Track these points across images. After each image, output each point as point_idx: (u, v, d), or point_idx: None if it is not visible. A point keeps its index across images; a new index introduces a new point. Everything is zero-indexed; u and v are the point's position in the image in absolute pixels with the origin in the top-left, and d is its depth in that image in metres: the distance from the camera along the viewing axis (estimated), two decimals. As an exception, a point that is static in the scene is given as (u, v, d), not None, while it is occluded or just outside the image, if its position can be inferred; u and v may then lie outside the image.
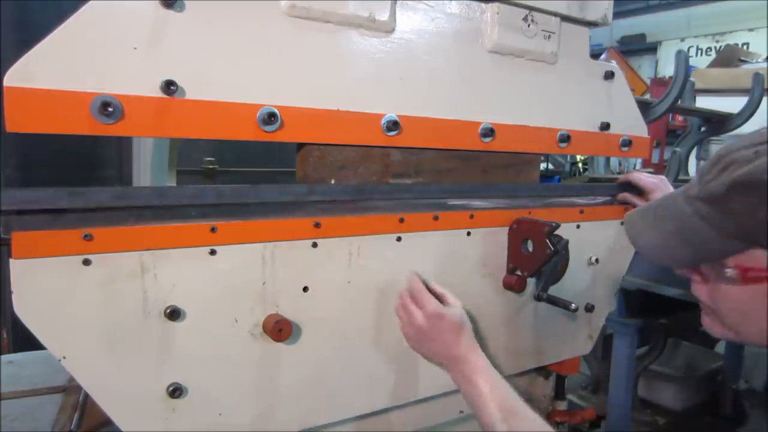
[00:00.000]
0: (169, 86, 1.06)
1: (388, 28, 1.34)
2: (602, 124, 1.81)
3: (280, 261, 1.24)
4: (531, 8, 1.57)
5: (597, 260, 1.85)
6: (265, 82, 1.19)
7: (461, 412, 1.83)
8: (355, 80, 1.31)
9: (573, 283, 1.79)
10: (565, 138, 1.71)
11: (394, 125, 1.36)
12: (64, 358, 1.03)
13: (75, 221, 1.01)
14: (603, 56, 8.06)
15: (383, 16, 1.32)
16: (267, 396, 1.26)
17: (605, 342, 3.18)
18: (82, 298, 1.03)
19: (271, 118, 1.18)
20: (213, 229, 1.14)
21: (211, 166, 2.24)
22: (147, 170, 1.74)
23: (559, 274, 1.70)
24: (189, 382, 1.16)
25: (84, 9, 0.98)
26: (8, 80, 0.94)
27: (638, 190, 1.84)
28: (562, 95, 1.71)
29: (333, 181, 1.35)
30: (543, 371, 1.99)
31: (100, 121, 1.01)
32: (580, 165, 6.12)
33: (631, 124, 1.90)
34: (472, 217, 1.52)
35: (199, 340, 1.16)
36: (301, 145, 1.32)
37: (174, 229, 1.11)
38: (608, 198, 1.87)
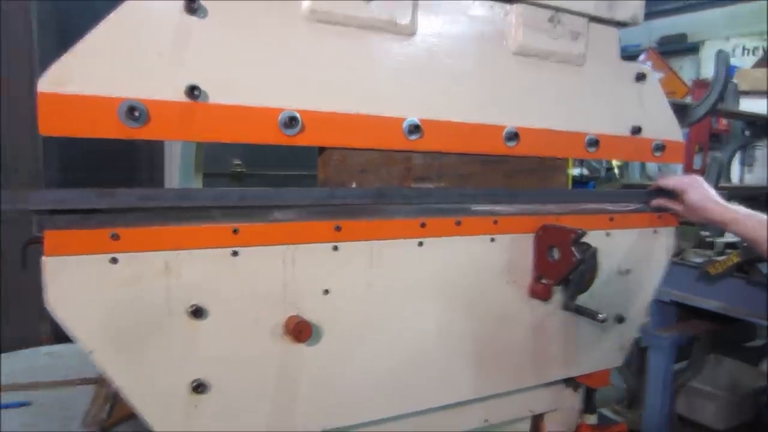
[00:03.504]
0: (192, 91, 1.10)
1: (409, 32, 1.35)
2: (633, 127, 1.77)
3: (300, 263, 1.25)
4: (557, 9, 1.55)
5: (628, 270, 1.80)
6: (286, 86, 1.21)
7: (486, 420, 1.81)
8: (375, 84, 1.32)
9: (603, 293, 1.74)
10: (594, 142, 1.68)
11: (415, 129, 1.36)
12: (92, 351, 1.07)
13: (103, 221, 1.06)
14: (641, 57, 7.81)
15: (404, 19, 1.33)
16: (287, 396, 1.28)
17: (641, 355, 3.09)
18: (109, 295, 1.07)
19: (292, 121, 1.20)
20: (235, 231, 1.17)
21: (238, 169, 2.30)
22: (176, 173, 1.80)
23: (587, 283, 1.66)
24: (212, 379, 1.18)
25: (111, 17, 1.03)
26: (41, 86, 0.99)
27: (671, 195, 1.78)
28: (590, 98, 1.68)
29: (354, 185, 1.36)
30: (572, 383, 1.94)
31: (128, 125, 1.05)
32: (616, 170, 5.97)
33: (664, 127, 1.85)
34: (496, 222, 1.51)
35: (221, 339, 1.18)
36: (322, 149, 1.34)
37: (197, 230, 1.14)
38: (640, 205, 1.82)
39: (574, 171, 6.84)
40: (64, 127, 1.02)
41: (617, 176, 5.78)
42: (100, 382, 1.59)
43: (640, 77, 1.77)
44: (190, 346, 1.15)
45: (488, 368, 1.58)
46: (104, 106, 1.03)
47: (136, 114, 1.05)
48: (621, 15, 1.67)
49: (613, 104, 1.73)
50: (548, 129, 1.60)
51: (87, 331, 1.06)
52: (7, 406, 1.51)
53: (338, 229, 1.28)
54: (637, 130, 1.77)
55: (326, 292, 1.29)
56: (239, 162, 2.34)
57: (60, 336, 1.07)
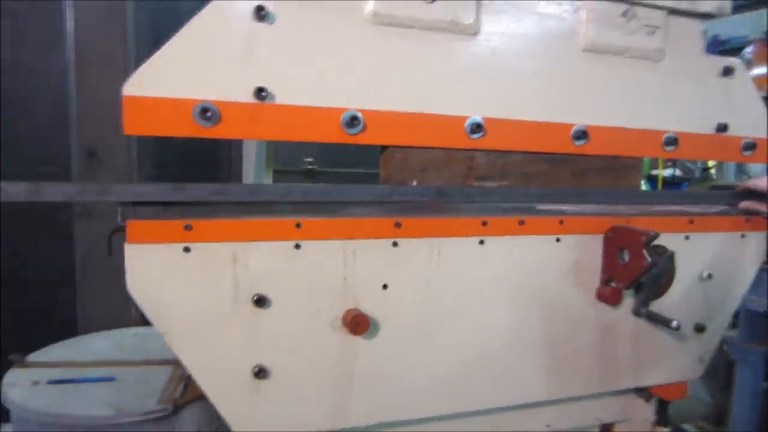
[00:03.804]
0: (260, 92, 1.16)
1: (473, 31, 1.35)
2: (719, 125, 1.66)
3: (360, 258, 1.29)
4: (632, 2, 1.49)
5: (710, 275, 1.70)
6: (348, 87, 1.25)
7: (548, 426, 1.77)
8: (437, 83, 1.33)
9: (681, 300, 1.66)
10: (672, 141, 1.60)
11: (477, 127, 1.36)
12: (165, 333, 1.16)
13: (178, 213, 1.15)
14: (749, 49, 7.20)
15: (467, 19, 1.33)
16: (344, 386, 1.32)
17: (729, 369, 2.88)
18: (181, 281, 1.16)
19: (353, 121, 1.24)
20: (298, 225, 1.22)
21: (310, 167, 2.38)
22: (251, 170, 1.90)
23: (662, 288, 1.58)
24: (272, 365, 1.25)
25: (186, 27, 1.11)
26: (126, 90, 1.09)
27: (763, 197, 1.66)
28: (669, 94, 1.60)
29: (415, 183, 1.38)
30: (644, 393, 1.86)
31: (201, 125, 1.14)
32: (713, 171, 5.55)
33: (755, 125, 1.72)
34: (561, 223, 1.47)
35: (282, 328, 1.25)
36: (384, 147, 1.37)
37: (263, 224, 1.20)
38: (725, 207, 1.71)
39: (666, 172, 6.45)
40: (145, 126, 1.12)
41: (712, 177, 5.39)
42: (177, 363, 1.71)
43: (727, 72, 1.66)
44: (253, 333, 1.22)
45: (550, 372, 1.54)
46: (180, 107, 1.12)
47: (209, 114, 1.13)
48: (705, 6, 1.57)
49: (695, 101, 1.64)
50: (621, 127, 1.54)
51: (161, 313, 1.15)
52: (94, 380, 1.67)
53: (398, 225, 1.30)
54: (722, 128, 1.66)
55: (385, 287, 1.32)
56: (311, 160, 2.42)
57: (146, 319, 1.17)
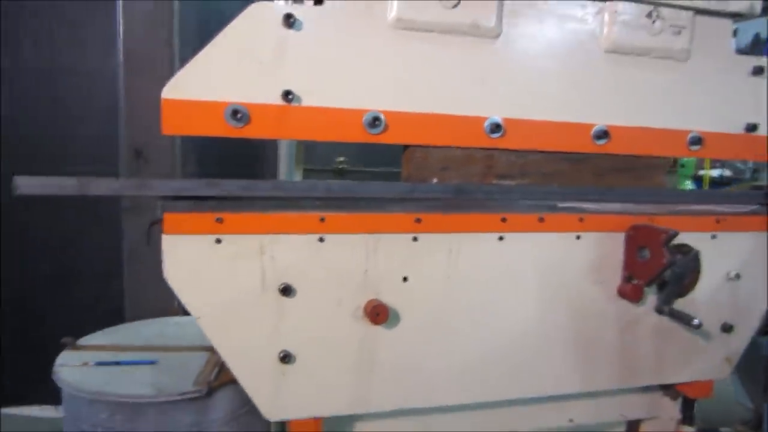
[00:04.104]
0: (287, 95, 1.24)
1: (494, 34, 1.39)
2: (748, 125, 1.65)
3: (382, 251, 1.35)
4: (657, 3, 1.50)
5: (738, 275, 1.69)
6: (371, 89, 1.32)
7: (571, 420, 1.79)
8: (458, 85, 1.38)
9: (707, 299, 1.66)
10: (697, 140, 1.60)
11: (496, 127, 1.40)
12: (199, 318, 1.26)
13: (211, 207, 1.24)
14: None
15: (488, 23, 1.37)
16: (365, 373, 1.39)
17: (768, 372, 2.80)
18: (213, 270, 1.25)
19: (375, 121, 1.31)
20: (322, 219, 1.30)
21: (341, 166, 2.46)
22: (284, 168, 2.00)
23: (687, 287, 1.59)
24: (297, 351, 1.33)
25: (219, 36, 1.20)
26: (165, 93, 1.19)
27: None
28: (695, 94, 1.59)
29: (435, 181, 1.43)
30: (670, 391, 1.86)
31: (231, 125, 1.22)
32: (768, 172, 5.33)
33: (788, 125, 1.69)
34: (581, 220, 1.50)
35: (307, 316, 1.32)
36: (406, 147, 1.43)
37: (289, 218, 1.28)
38: (755, 207, 1.69)
39: (713, 172, 6.25)
40: (182, 126, 1.22)
41: (760, 177, 5.19)
42: (213, 349, 1.82)
43: (758, 71, 1.64)
44: (279, 320, 1.30)
45: (569, 366, 1.57)
46: (213, 109, 1.21)
47: (239, 116, 1.22)
48: (735, 6, 1.56)
49: (723, 100, 1.63)
50: (643, 127, 1.55)
51: (195, 299, 1.24)
52: (137, 363, 1.81)
53: (418, 221, 1.36)
54: (752, 128, 1.65)
55: (405, 279, 1.38)
56: (342, 159, 2.51)
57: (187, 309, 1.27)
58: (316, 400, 1.38)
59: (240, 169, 2.78)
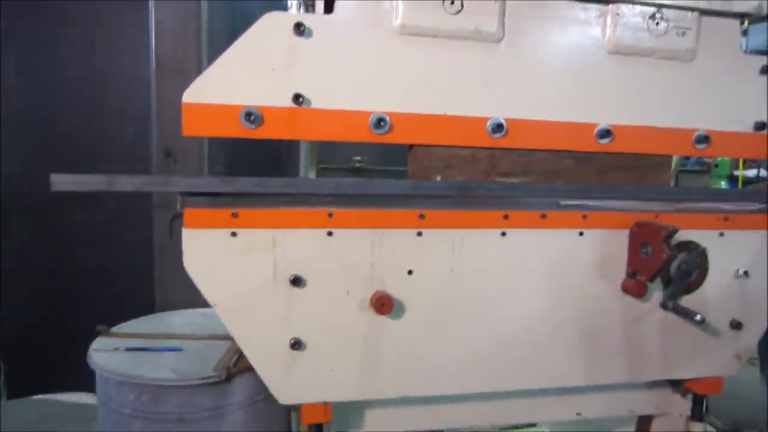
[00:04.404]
0: (297, 98, 1.33)
1: (496, 38, 1.45)
2: (756, 123, 1.66)
3: (387, 246, 1.43)
4: (660, 5, 1.53)
5: (746, 273, 1.70)
6: (377, 92, 1.39)
7: (578, 414, 1.83)
8: (460, 87, 1.44)
9: (716, 296, 1.68)
10: (703, 139, 1.62)
11: (498, 127, 1.46)
12: (216, 305, 1.35)
13: (227, 202, 1.33)
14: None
15: (490, 27, 1.43)
16: (371, 361, 1.46)
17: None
18: (229, 261, 1.34)
19: (380, 122, 1.38)
20: (330, 215, 1.38)
21: (358, 165, 2.55)
22: (303, 167, 2.11)
23: (694, 283, 1.62)
24: (307, 338, 1.41)
25: (234, 45, 1.30)
26: (185, 98, 1.30)
27: None
28: (701, 93, 1.62)
29: (439, 178, 1.50)
30: (680, 388, 1.87)
31: (245, 127, 1.32)
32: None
33: (799, 123, 1.69)
34: (585, 217, 1.54)
35: (316, 305, 1.41)
36: (411, 146, 1.50)
37: (299, 213, 1.37)
38: (763, 205, 1.69)
39: (748, 172, 6.09)
40: (200, 128, 1.32)
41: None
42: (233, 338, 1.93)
43: (767, 70, 1.65)
44: (290, 309, 1.39)
45: (573, 359, 1.61)
46: (228, 112, 1.31)
47: (252, 118, 1.31)
48: (741, 6, 1.58)
49: (731, 99, 1.64)
50: (647, 126, 1.58)
51: (212, 288, 1.34)
52: (165, 349, 1.93)
53: (422, 217, 1.43)
54: (760, 126, 1.66)
55: (410, 272, 1.45)
56: (359, 158, 2.59)
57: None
58: (325, 386, 1.46)
59: (266, 168, 2.91)
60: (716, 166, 6.78)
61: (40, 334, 3.40)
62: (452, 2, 1.41)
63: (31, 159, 3.18)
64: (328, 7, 1.42)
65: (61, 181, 1.24)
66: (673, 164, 1.87)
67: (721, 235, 1.65)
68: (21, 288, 3.36)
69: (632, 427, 2.02)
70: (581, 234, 1.55)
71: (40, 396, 3.45)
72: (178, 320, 2.24)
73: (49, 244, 3.35)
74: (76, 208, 3.22)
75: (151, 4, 2.72)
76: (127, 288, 3.24)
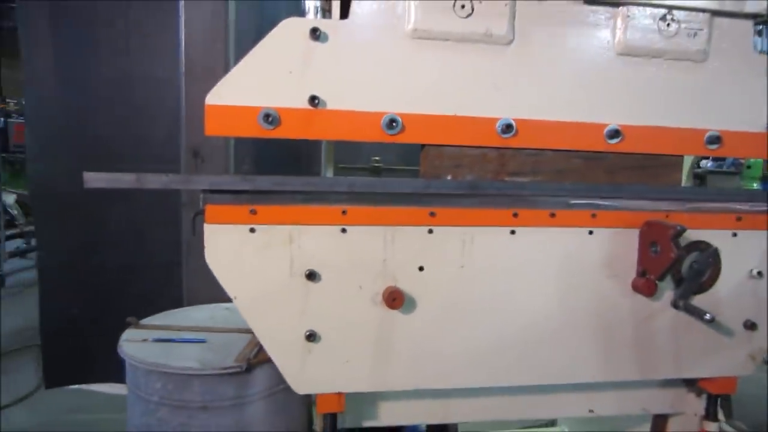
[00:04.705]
0: (313, 100, 1.40)
1: (506, 41, 1.49)
2: (770, 123, 1.66)
3: (399, 242, 1.48)
4: (671, 7, 1.55)
5: (761, 273, 1.70)
6: (389, 94, 1.45)
7: (591, 411, 1.85)
8: (471, 88, 1.49)
9: (730, 296, 1.68)
10: (715, 139, 1.63)
11: (507, 128, 1.50)
12: (236, 297, 1.43)
13: (246, 200, 1.41)
14: None
15: (501, 30, 1.47)
16: (383, 354, 1.52)
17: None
18: (248, 256, 1.42)
19: (392, 123, 1.44)
20: (344, 212, 1.44)
21: (377, 165, 2.61)
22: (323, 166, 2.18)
23: (707, 283, 1.63)
24: (322, 331, 1.48)
25: (255, 49, 1.37)
26: (208, 100, 1.38)
27: None
28: (713, 94, 1.63)
29: (449, 177, 1.54)
30: (694, 387, 1.88)
31: (264, 127, 1.39)
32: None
33: (814, 123, 1.69)
34: (594, 216, 1.57)
35: (330, 299, 1.47)
36: (423, 145, 1.55)
37: (315, 210, 1.43)
38: (779, 205, 1.69)
39: (780, 173, 5.96)
40: (222, 128, 1.40)
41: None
42: (255, 330, 2.02)
43: (781, 70, 1.65)
44: (305, 302, 1.45)
45: (582, 356, 1.64)
46: (248, 113, 1.38)
47: (270, 119, 1.38)
48: (753, 7, 1.59)
49: (743, 99, 1.65)
50: (657, 126, 1.60)
51: (232, 282, 1.42)
52: (189, 341, 2.03)
53: (433, 215, 1.48)
54: (774, 126, 1.66)
55: (421, 268, 1.50)
56: (377, 158, 2.66)
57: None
58: (339, 377, 1.52)
59: (288, 168, 2.99)
60: (749, 167, 6.64)
61: (76, 327, 3.55)
62: (463, 6, 1.45)
63: (70, 158, 3.32)
64: (344, 13, 1.48)
65: (94, 179, 1.33)
66: (687, 165, 1.88)
67: (735, 235, 1.66)
68: (62, 283, 3.53)
69: (648, 427, 2.03)
70: (591, 233, 1.58)
71: (76, 386, 3.62)
72: (202, 314, 2.34)
73: (84, 241, 3.50)
74: (111, 208, 3.36)
75: (181, 5, 2.83)
76: (157, 283, 3.36)
